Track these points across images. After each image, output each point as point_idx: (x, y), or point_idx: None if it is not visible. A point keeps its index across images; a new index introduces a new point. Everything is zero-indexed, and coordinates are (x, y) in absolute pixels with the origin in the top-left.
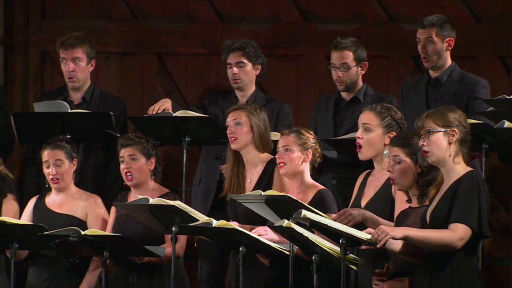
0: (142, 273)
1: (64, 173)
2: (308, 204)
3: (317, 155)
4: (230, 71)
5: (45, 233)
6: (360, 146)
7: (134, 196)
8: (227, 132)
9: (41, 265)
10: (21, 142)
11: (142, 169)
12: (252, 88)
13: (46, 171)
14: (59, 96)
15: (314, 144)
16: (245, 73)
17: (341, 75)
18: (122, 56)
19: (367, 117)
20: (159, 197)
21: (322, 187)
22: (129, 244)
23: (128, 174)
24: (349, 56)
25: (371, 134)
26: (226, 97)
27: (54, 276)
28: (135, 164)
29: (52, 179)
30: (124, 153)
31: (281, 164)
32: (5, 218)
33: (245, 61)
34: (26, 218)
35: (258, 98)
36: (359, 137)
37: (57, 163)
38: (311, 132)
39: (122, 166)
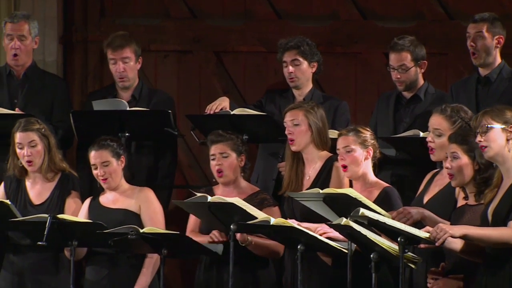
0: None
1: (112, 172)
2: (373, 203)
3: (377, 151)
4: (286, 69)
5: (104, 231)
6: (432, 149)
7: (220, 191)
8: (286, 132)
9: (99, 263)
10: (80, 140)
11: (233, 166)
12: (309, 85)
13: (94, 172)
14: (107, 95)
15: (373, 141)
16: (301, 72)
17: (399, 76)
18: (180, 55)
19: (437, 122)
20: (249, 196)
21: (387, 184)
22: (187, 242)
23: (219, 171)
24: (407, 57)
25: (442, 138)
26: (283, 95)
27: (113, 273)
28: (226, 161)
29: (101, 179)
30: (215, 150)
31: (344, 168)
32: (65, 216)
33: (301, 59)
34: (81, 217)
35: (315, 95)
36: (430, 141)
37: (104, 164)
38: (368, 129)
39: (213, 163)
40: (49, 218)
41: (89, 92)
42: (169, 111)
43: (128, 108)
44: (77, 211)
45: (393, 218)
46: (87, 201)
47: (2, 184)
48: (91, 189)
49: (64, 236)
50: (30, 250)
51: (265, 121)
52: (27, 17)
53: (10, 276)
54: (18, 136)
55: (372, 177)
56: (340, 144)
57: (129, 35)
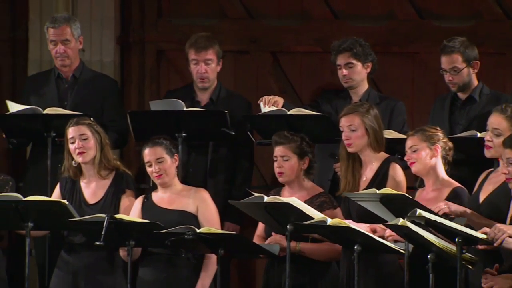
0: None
1: (166, 168)
2: None
3: (448, 148)
4: (340, 72)
5: (161, 231)
6: (489, 147)
7: (287, 192)
8: (343, 137)
9: (156, 264)
10: (137, 140)
11: (293, 168)
12: (365, 86)
13: (149, 170)
14: (186, 95)
15: (442, 138)
16: (355, 73)
17: (452, 78)
18: (237, 55)
19: (497, 121)
20: (312, 197)
21: (458, 184)
22: (244, 242)
23: (279, 173)
24: (458, 59)
25: (500, 138)
26: (339, 95)
27: (171, 275)
28: (286, 164)
29: (156, 176)
30: (277, 152)
31: (411, 163)
32: (122, 216)
33: (354, 61)
34: (134, 217)
35: (372, 95)
36: (488, 140)
37: (158, 160)
38: (437, 128)
39: (275, 164)
40: (106, 218)
41: (167, 90)
42: (225, 111)
43: (185, 109)
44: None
45: (487, 236)
46: (139, 201)
47: (58, 185)
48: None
49: (121, 236)
50: (84, 249)
51: (322, 121)
52: (68, 20)
53: (64, 275)
54: (70, 131)
55: (443, 175)
56: (407, 145)
57: (213, 37)
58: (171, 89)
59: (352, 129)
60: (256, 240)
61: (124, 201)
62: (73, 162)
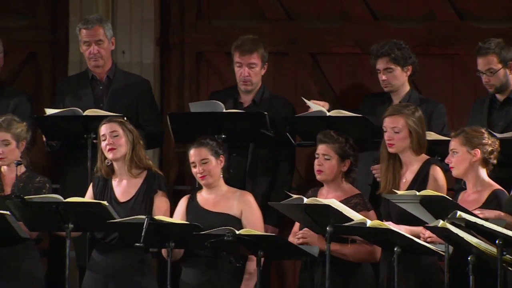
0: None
1: (211, 169)
2: (483, 204)
3: (490, 151)
4: (380, 76)
5: (200, 232)
6: None
7: (325, 191)
8: (385, 137)
9: (198, 266)
10: (177, 141)
11: (333, 168)
12: (406, 88)
13: (193, 170)
14: (229, 97)
15: (484, 140)
16: (394, 78)
17: (488, 80)
18: (276, 56)
19: None
20: (347, 198)
21: (498, 186)
22: (284, 244)
23: (319, 171)
24: (493, 60)
25: None
26: (380, 98)
27: (213, 276)
28: (327, 163)
29: (200, 177)
30: (319, 149)
31: (450, 167)
32: (161, 217)
33: (393, 66)
34: (179, 218)
35: (413, 97)
36: None
37: (203, 161)
38: (482, 129)
39: (315, 161)
40: (146, 219)
41: (211, 92)
42: (265, 112)
43: (224, 110)
44: (168, 211)
45: None
46: (184, 201)
47: (91, 184)
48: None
49: (161, 238)
50: (116, 250)
51: (362, 123)
52: (100, 21)
53: (95, 275)
54: (102, 128)
55: (484, 177)
56: (450, 147)
57: (259, 40)
58: (214, 91)
59: (396, 131)
60: (291, 237)
61: (157, 201)
62: (106, 161)
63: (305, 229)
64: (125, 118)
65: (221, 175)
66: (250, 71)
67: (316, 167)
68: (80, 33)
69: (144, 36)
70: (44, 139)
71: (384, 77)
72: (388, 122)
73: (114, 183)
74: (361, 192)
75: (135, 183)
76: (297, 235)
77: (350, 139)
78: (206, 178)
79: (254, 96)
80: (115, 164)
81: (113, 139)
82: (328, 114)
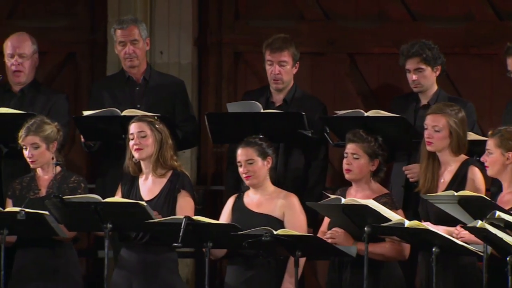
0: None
1: (256, 170)
2: None
3: None
4: (410, 76)
5: (238, 232)
6: None
7: (353, 191)
8: (425, 135)
9: (239, 265)
10: (215, 142)
11: (362, 168)
12: (434, 88)
13: (239, 170)
14: (261, 96)
15: None
16: (424, 78)
17: None
18: (314, 57)
19: None
20: (375, 197)
21: None
22: (321, 244)
23: (348, 169)
24: None
25: None
26: (408, 98)
27: (253, 275)
28: (356, 162)
29: (244, 177)
30: (348, 148)
31: (486, 166)
32: (199, 217)
33: (423, 66)
34: (225, 217)
35: (441, 97)
36: None
37: (248, 162)
38: None
39: (344, 160)
40: (184, 219)
41: (244, 92)
42: (302, 113)
43: (262, 110)
44: (192, 210)
45: None
46: (231, 200)
47: (120, 184)
48: (236, 189)
49: (198, 237)
50: (144, 248)
51: (400, 123)
52: (135, 21)
53: (123, 273)
54: (131, 127)
55: None
56: (486, 146)
57: (290, 38)
58: (247, 90)
59: (436, 130)
60: (319, 236)
61: (180, 201)
62: (134, 159)
63: (334, 228)
64: (155, 118)
65: (268, 176)
66: (281, 69)
67: (345, 166)
68: (115, 33)
69: (182, 36)
70: (82, 139)
71: (414, 77)
72: (429, 120)
73: (141, 181)
74: (390, 192)
75: (160, 182)
76: (326, 235)
77: (379, 138)
78: (250, 178)
79: (286, 95)
80: (141, 163)
81: (140, 139)
82: (365, 114)
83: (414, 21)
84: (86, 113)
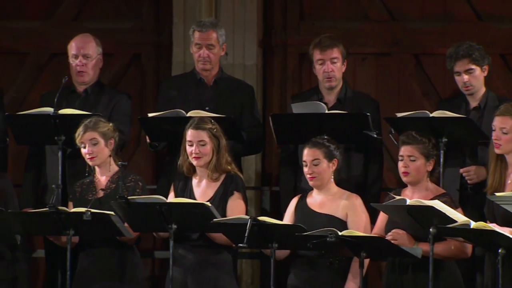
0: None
1: (321, 172)
2: None
3: None
4: (459, 78)
5: (303, 233)
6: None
7: (409, 193)
8: (493, 136)
9: (302, 266)
10: (279, 142)
11: (419, 169)
12: (483, 89)
13: (304, 170)
14: (312, 97)
15: None
16: (475, 79)
17: None
18: (379, 57)
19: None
20: (433, 197)
21: None
22: (386, 245)
23: (405, 172)
24: None
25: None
26: (454, 102)
27: (315, 277)
28: (412, 164)
29: (309, 177)
30: (403, 151)
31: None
32: (265, 218)
33: (473, 67)
34: (288, 218)
35: (490, 98)
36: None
37: (314, 163)
38: None
39: (400, 163)
40: (249, 220)
41: (292, 95)
42: (367, 114)
43: (327, 111)
44: (241, 211)
45: None
46: (294, 201)
47: (172, 184)
48: (294, 190)
49: (264, 238)
50: (199, 247)
51: (466, 124)
52: (215, 25)
53: (178, 269)
54: (189, 133)
55: None
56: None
57: (336, 37)
58: (296, 93)
59: (504, 132)
60: None
61: (231, 202)
62: (188, 159)
63: (395, 230)
64: (211, 121)
65: (332, 178)
66: (333, 66)
67: (401, 169)
68: (193, 34)
69: (246, 37)
70: (148, 140)
71: (466, 79)
72: (497, 122)
73: (194, 182)
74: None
75: (214, 186)
76: (387, 236)
77: (433, 138)
78: (314, 180)
79: (338, 95)
80: (197, 167)
81: (200, 148)
82: (431, 115)
83: (480, 21)
84: (151, 114)
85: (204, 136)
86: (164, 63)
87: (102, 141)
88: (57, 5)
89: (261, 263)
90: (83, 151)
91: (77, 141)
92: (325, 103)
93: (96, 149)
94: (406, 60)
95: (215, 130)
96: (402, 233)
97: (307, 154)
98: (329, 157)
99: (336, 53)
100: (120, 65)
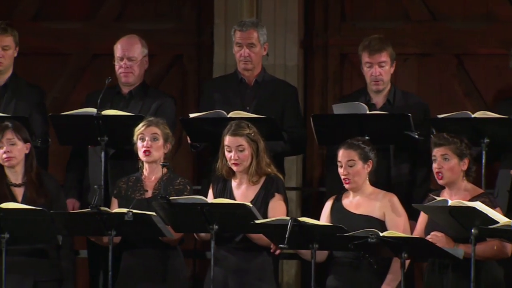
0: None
1: (356, 173)
2: None
3: None
4: None
5: (344, 234)
6: None
7: (446, 194)
8: None
9: (342, 266)
10: (320, 143)
11: (453, 169)
12: None
13: (339, 170)
14: (360, 98)
15: None
16: None
17: None
18: (421, 57)
19: None
20: (471, 198)
21: None
22: (428, 246)
23: (439, 173)
24: None
25: None
26: (509, 102)
27: (354, 278)
28: (446, 164)
29: (344, 179)
30: (436, 152)
31: None
32: (305, 219)
33: None
34: (324, 219)
35: None
36: None
37: (349, 163)
38: None
39: (434, 165)
40: (290, 220)
41: (340, 96)
42: (409, 114)
43: (367, 112)
44: (282, 213)
45: None
46: (330, 202)
47: (211, 185)
48: (340, 190)
49: (304, 239)
50: (241, 248)
51: (508, 124)
52: (256, 25)
53: (219, 270)
54: (227, 139)
55: None
56: None
57: (385, 39)
58: (344, 95)
59: None
60: None
61: (273, 205)
62: (227, 163)
63: (434, 232)
64: (249, 126)
65: (367, 179)
66: (380, 70)
67: (435, 170)
68: (234, 34)
69: (288, 38)
70: (189, 140)
71: None
72: None
73: (234, 185)
74: (485, 191)
75: (254, 188)
76: (428, 238)
77: (464, 138)
78: (350, 183)
79: (387, 96)
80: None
81: (239, 154)
82: (473, 115)
83: None
84: (192, 115)
85: (242, 141)
86: (206, 64)
87: (161, 140)
88: (99, 6)
89: (302, 264)
90: (140, 145)
91: (137, 133)
92: (373, 105)
93: (155, 145)
94: (448, 61)
95: (252, 134)
96: (441, 236)
97: (342, 155)
98: (364, 158)
99: (384, 56)
100: (161, 66)
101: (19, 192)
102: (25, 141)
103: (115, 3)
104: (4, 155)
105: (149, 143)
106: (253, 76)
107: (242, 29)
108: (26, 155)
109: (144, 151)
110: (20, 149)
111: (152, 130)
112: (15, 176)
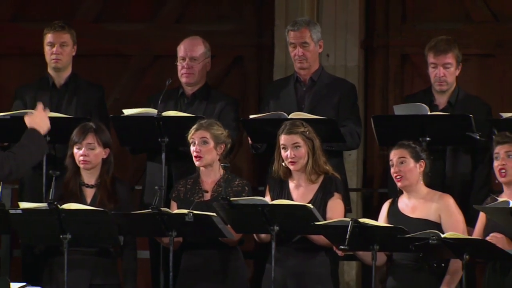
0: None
1: (408, 171)
2: None
3: None
4: None
5: (405, 235)
6: None
7: (505, 195)
8: None
9: (400, 268)
10: (381, 144)
11: None
12: None
13: (391, 170)
14: (424, 98)
15: None
16: None
17: None
18: (482, 59)
19: None
20: None
21: None
22: (490, 247)
23: (502, 170)
24: None
25: None
26: None
27: (414, 280)
28: (510, 161)
29: (395, 176)
30: (500, 149)
31: None
32: (366, 220)
33: None
34: (381, 222)
35: None
36: None
37: (400, 160)
38: None
39: (496, 163)
40: (350, 222)
41: (405, 95)
42: (470, 115)
43: (429, 113)
44: (340, 213)
45: None
46: (386, 205)
47: (267, 187)
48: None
49: (365, 240)
50: (300, 250)
51: None
52: (308, 23)
53: (278, 269)
54: (282, 138)
55: None
56: None
57: (453, 40)
58: (409, 94)
59: None
60: None
61: (331, 203)
62: (283, 163)
63: (493, 234)
64: (303, 124)
65: (421, 180)
66: (445, 71)
67: (499, 168)
68: (288, 34)
69: (348, 39)
70: (250, 141)
71: None
72: None
73: (292, 185)
74: None
75: (312, 188)
76: (487, 239)
77: None
78: (402, 180)
79: (449, 98)
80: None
81: (295, 151)
82: None
83: None
84: (253, 116)
85: (298, 139)
86: (266, 65)
87: (212, 143)
88: (160, 7)
89: (362, 265)
90: (192, 149)
91: (189, 137)
92: (436, 106)
93: (205, 149)
94: (510, 62)
95: (307, 132)
96: (500, 237)
97: (393, 154)
98: (416, 157)
99: (450, 58)
100: (222, 67)
101: (89, 193)
102: (104, 146)
103: (176, 4)
104: (81, 158)
105: (198, 148)
106: (309, 75)
107: (294, 28)
108: (104, 160)
109: (195, 156)
110: (98, 154)
111: (201, 134)
112: (89, 177)
